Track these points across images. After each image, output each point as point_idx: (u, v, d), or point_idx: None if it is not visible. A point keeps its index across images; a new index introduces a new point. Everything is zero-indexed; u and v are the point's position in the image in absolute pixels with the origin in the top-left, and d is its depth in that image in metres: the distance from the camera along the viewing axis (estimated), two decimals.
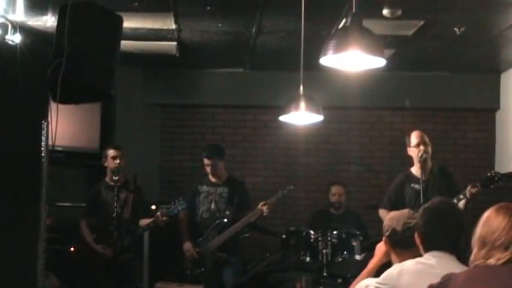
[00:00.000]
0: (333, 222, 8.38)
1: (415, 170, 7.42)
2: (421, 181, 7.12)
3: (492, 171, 7.10)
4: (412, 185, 7.37)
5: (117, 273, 7.74)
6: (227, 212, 7.98)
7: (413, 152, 7.38)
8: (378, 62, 4.36)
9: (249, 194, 8.28)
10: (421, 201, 6.86)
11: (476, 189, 6.84)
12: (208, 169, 8.07)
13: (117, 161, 7.91)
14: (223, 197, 8.05)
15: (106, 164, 7.99)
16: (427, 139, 7.38)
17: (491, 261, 3.18)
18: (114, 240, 7.70)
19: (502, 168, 9.90)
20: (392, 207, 7.29)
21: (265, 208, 7.80)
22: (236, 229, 7.89)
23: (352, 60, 4.43)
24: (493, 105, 10.20)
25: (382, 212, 7.49)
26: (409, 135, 7.43)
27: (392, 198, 7.51)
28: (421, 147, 7.28)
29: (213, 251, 7.87)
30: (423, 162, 7.27)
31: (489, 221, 3.26)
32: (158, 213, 7.81)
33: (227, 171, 8.29)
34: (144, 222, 7.89)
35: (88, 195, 8.22)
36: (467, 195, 6.85)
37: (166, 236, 8.36)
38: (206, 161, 8.06)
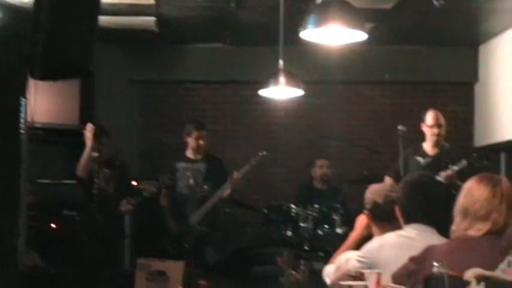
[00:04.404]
0: (318, 197, 8.39)
1: (426, 145, 7.59)
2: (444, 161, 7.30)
3: (479, 153, 7.27)
4: (416, 157, 7.51)
5: (99, 250, 7.72)
6: (205, 187, 7.97)
7: (426, 130, 7.54)
8: (359, 36, 4.35)
9: (226, 169, 8.26)
10: None
11: (456, 168, 7.05)
12: (198, 142, 8.03)
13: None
14: (201, 172, 8.04)
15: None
16: (442, 120, 7.55)
17: (472, 232, 3.21)
18: (95, 217, 7.68)
19: (481, 141, 9.98)
20: (396, 175, 7.45)
21: (236, 179, 7.80)
22: (214, 201, 7.89)
23: (332, 35, 4.42)
24: (472, 78, 10.22)
25: (386, 180, 7.58)
26: (425, 112, 7.60)
27: (397, 167, 7.63)
28: (435, 130, 7.46)
29: (194, 225, 7.88)
30: (435, 142, 7.44)
31: (471, 191, 3.30)
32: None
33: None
34: (126, 207, 7.88)
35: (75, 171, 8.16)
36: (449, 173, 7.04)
37: (148, 213, 8.35)
38: (197, 134, 8.00)
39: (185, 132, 8.13)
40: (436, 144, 7.54)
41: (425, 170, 7.28)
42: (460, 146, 8.93)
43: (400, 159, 7.71)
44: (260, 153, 8.01)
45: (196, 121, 8.26)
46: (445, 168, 7.18)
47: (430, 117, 7.57)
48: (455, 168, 7.09)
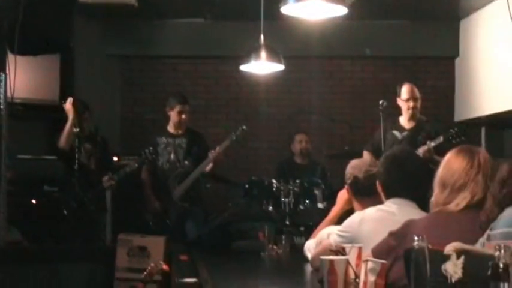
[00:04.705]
0: (298, 172, 8.39)
1: (402, 118, 7.60)
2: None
3: (458, 128, 7.34)
4: (393, 131, 7.59)
5: (80, 225, 7.71)
6: (186, 162, 7.97)
7: (402, 104, 7.59)
8: (339, 10, 4.36)
9: (207, 144, 8.26)
10: None
11: (433, 143, 7.13)
12: (182, 116, 7.99)
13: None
14: (182, 147, 8.03)
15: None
16: (417, 93, 7.61)
17: (451, 206, 3.23)
18: (76, 193, 7.66)
19: (462, 116, 10.02)
20: (374, 150, 7.65)
21: (216, 153, 7.80)
22: (195, 176, 7.89)
23: (313, 9, 4.42)
24: (453, 53, 10.24)
25: (364, 154, 7.77)
26: (400, 86, 7.66)
27: (374, 141, 7.79)
28: (411, 103, 7.52)
29: (175, 201, 7.87)
30: (411, 115, 7.52)
31: (449, 163, 3.32)
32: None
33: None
34: (108, 183, 7.85)
35: (54, 144, 8.12)
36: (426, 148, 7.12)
37: (129, 189, 8.34)
38: (180, 108, 7.97)
39: (168, 106, 8.10)
40: (412, 117, 7.60)
41: (402, 143, 7.37)
42: (437, 119, 8.99)
43: (377, 134, 7.79)
44: (240, 128, 8.02)
45: (180, 95, 8.23)
46: (422, 141, 7.26)
47: (405, 90, 7.62)
48: (432, 144, 7.16)
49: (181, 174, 7.93)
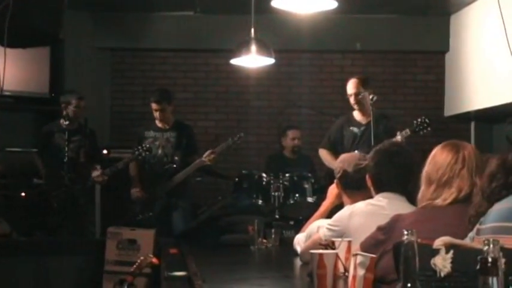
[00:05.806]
0: (288, 166, 8.40)
1: (356, 113, 7.61)
2: (373, 126, 7.31)
3: (421, 118, 7.36)
4: (350, 128, 7.60)
5: (69, 218, 7.71)
6: (176, 158, 7.94)
7: (350, 99, 7.58)
8: (330, 4, 4.37)
9: (195, 137, 8.24)
10: (358, 144, 7.19)
11: (400, 137, 7.13)
12: (156, 114, 7.98)
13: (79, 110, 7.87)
14: (170, 141, 7.99)
15: (65, 112, 7.83)
16: (361, 89, 7.53)
17: (438, 201, 3.24)
18: (65, 186, 7.65)
19: (451, 110, 10.03)
20: (331, 147, 7.71)
21: (211, 157, 7.76)
22: (184, 175, 7.86)
23: (303, 2, 4.43)
24: (443, 48, 10.25)
25: (321, 152, 7.89)
26: (347, 82, 7.66)
27: (331, 138, 7.86)
28: (354, 98, 7.51)
29: (161, 196, 7.85)
30: (359, 109, 7.58)
31: (434, 158, 3.33)
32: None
33: (174, 116, 8.20)
34: (101, 178, 7.84)
35: (40, 137, 8.11)
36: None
37: (118, 182, 8.33)
38: (154, 106, 7.95)
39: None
40: (365, 112, 7.56)
41: (362, 138, 7.38)
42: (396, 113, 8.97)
43: (333, 129, 7.82)
44: (238, 135, 7.99)
45: (156, 92, 8.15)
46: (381, 136, 7.21)
47: (348, 86, 7.62)
48: (399, 137, 7.17)
49: (170, 171, 7.89)
